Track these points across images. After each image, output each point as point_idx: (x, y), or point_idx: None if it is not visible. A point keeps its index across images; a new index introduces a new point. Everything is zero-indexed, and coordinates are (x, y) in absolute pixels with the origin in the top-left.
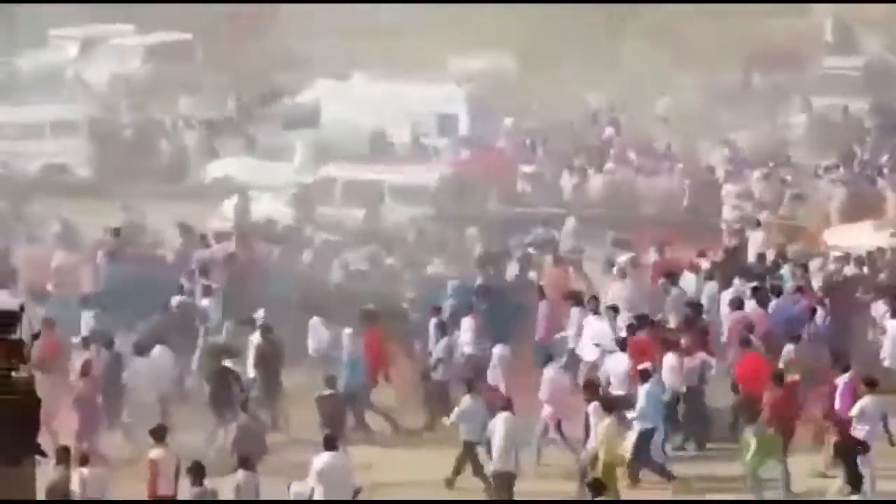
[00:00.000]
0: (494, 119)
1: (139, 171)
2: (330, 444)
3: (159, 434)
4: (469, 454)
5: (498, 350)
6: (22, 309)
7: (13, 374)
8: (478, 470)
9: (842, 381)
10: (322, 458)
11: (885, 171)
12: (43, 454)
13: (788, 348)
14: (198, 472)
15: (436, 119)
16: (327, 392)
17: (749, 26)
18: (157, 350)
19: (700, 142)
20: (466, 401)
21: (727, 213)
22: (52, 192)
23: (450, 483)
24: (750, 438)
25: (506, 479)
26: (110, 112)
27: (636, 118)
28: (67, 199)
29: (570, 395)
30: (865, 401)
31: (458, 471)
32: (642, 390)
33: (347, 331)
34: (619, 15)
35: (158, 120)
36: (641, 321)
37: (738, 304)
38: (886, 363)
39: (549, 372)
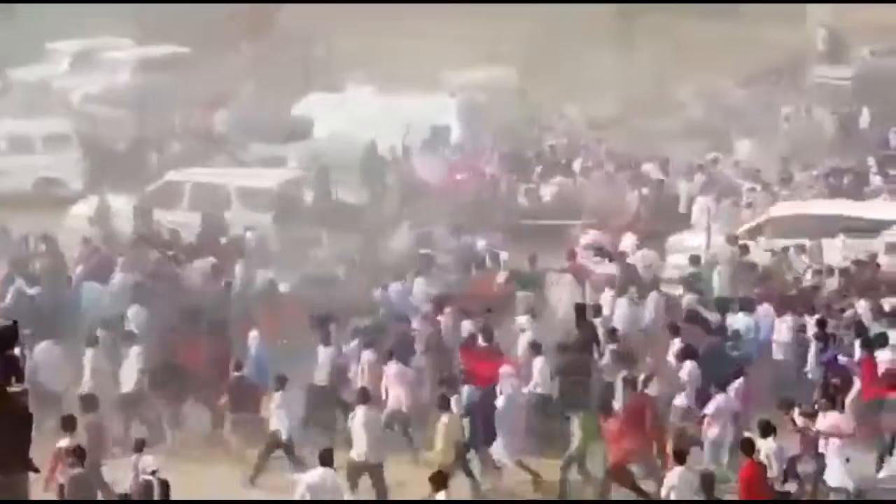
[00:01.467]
0: (486, 130)
1: (130, 184)
2: (325, 460)
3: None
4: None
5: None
6: (16, 325)
7: (9, 388)
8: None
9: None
10: (315, 474)
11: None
12: (35, 470)
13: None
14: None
15: (428, 130)
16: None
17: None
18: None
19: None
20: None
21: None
22: (44, 206)
23: None
24: (575, 424)
25: None
26: (102, 125)
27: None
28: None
29: None
30: (719, 399)
31: None
32: None
33: None
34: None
35: (150, 133)
36: None
37: None
38: None
39: None
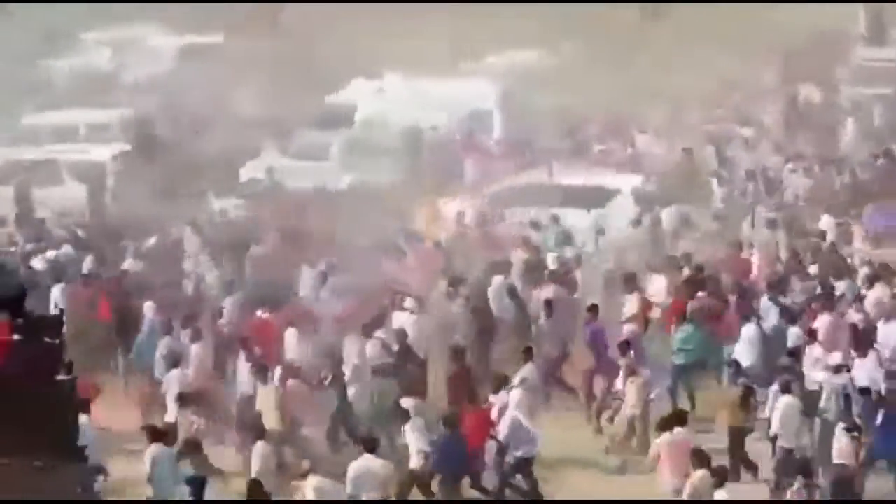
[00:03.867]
0: (527, 115)
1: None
2: (370, 446)
3: None
4: None
5: None
6: (62, 314)
7: (57, 377)
8: None
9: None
10: (361, 461)
11: None
12: (84, 458)
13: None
14: None
15: (469, 116)
16: None
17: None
18: None
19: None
20: None
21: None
22: None
23: None
24: None
25: None
26: (145, 114)
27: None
28: None
29: None
30: (527, 369)
31: None
32: None
33: None
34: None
35: (193, 121)
36: None
37: None
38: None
39: None
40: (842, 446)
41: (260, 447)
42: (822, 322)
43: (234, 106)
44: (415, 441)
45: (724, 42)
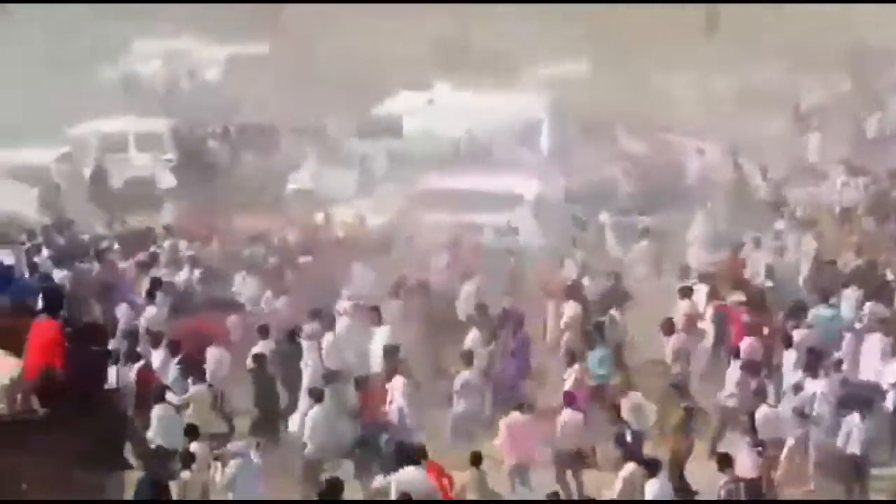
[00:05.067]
0: (574, 127)
1: (221, 182)
2: (410, 458)
3: None
4: None
5: None
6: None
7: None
8: None
9: None
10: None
11: None
12: (129, 466)
13: None
14: None
15: (517, 128)
16: None
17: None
18: None
19: None
20: None
21: None
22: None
23: None
24: None
25: None
26: (193, 123)
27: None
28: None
29: None
30: (465, 376)
31: None
32: None
33: None
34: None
35: (239, 131)
36: None
37: None
38: None
39: None
40: (743, 460)
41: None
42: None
43: (280, 116)
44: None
45: (778, 52)
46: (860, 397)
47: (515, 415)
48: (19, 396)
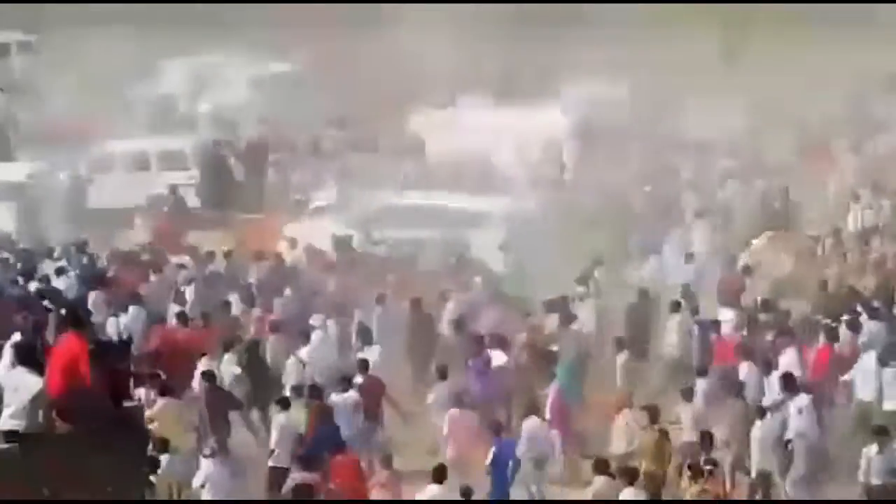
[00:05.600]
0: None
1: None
2: (439, 476)
3: None
4: None
5: None
6: (131, 340)
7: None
8: None
9: None
10: (430, 490)
11: None
12: (151, 484)
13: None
14: None
15: (540, 146)
16: None
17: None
18: None
19: None
20: None
21: None
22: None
23: None
24: None
25: None
26: (217, 142)
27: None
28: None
29: None
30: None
31: None
32: None
33: None
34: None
35: (264, 149)
36: None
37: None
38: None
39: None
40: None
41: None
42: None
43: (300, 132)
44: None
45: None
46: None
47: (456, 410)
48: (41, 413)
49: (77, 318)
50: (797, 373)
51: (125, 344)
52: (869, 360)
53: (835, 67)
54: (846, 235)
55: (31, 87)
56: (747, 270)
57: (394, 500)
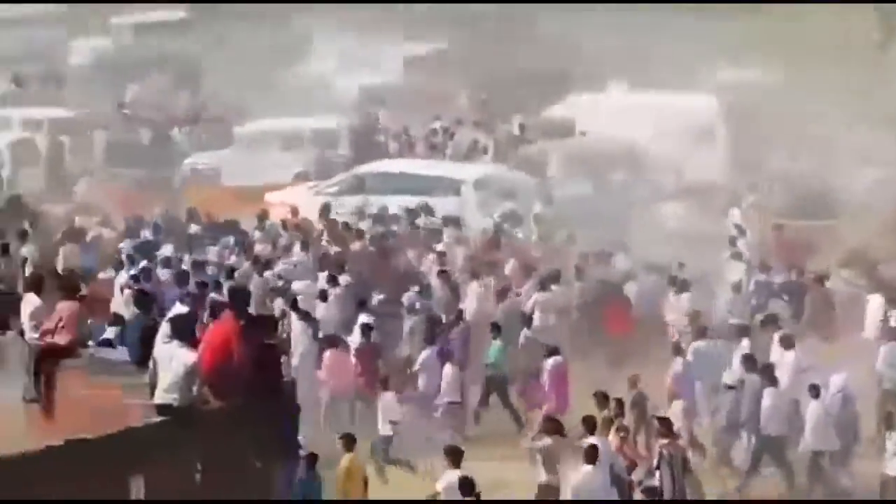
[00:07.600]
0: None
1: None
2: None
3: None
4: None
5: None
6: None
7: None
8: None
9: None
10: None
11: None
12: (299, 457)
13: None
14: None
15: (692, 131)
16: None
17: None
18: None
19: None
20: None
21: None
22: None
23: None
24: None
25: None
26: (367, 122)
27: None
28: None
29: None
30: (427, 352)
31: None
32: None
33: None
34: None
35: (411, 129)
36: None
37: None
38: None
39: None
40: None
41: None
42: None
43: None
44: None
45: None
46: None
47: (332, 351)
48: (195, 388)
49: (239, 300)
50: None
51: (272, 318)
52: None
53: None
54: None
55: (188, 65)
56: None
57: (394, 501)
